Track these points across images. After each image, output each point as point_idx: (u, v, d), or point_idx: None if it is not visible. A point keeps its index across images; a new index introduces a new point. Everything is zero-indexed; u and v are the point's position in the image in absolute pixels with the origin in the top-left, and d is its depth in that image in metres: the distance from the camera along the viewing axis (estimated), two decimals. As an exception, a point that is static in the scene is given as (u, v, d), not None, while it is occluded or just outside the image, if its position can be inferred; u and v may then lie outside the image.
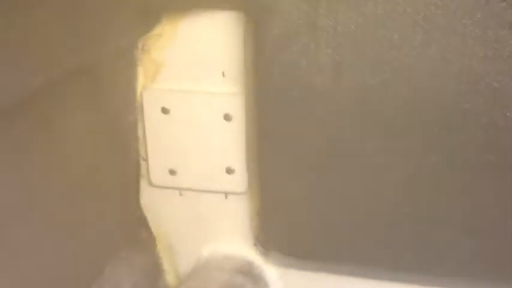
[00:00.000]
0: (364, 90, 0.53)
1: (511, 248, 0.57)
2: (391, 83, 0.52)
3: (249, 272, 0.66)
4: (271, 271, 0.67)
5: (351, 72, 0.53)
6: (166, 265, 0.72)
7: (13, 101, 0.42)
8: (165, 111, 0.64)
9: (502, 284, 0.61)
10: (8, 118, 0.43)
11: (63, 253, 0.54)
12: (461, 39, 0.50)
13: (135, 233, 0.69)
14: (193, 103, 0.63)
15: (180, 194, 0.68)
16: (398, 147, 0.55)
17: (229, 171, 0.64)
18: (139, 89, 0.64)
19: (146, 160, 0.67)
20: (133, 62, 0.63)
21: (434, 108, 0.52)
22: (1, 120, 0.43)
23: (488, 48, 0.49)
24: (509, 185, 0.54)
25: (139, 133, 0.66)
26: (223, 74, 0.61)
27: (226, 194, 0.66)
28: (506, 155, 0.53)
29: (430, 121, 0.53)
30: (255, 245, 0.67)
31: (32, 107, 0.47)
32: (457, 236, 0.58)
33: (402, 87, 0.52)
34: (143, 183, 0.69)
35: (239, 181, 0.65)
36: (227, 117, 0.62)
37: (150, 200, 0.69)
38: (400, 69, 0.52)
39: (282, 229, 0.64)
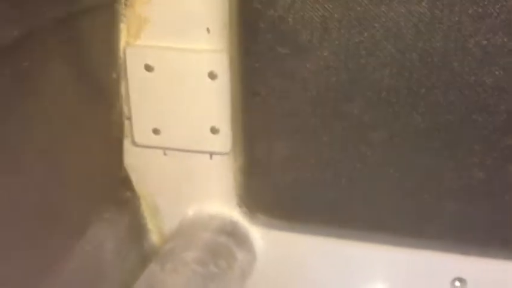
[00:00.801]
0: (351, 48, 0.52)
1: (495, 210, 0.58)
2: (378, 41, 0.51)
3: (233, 232, 0.66)
4: (255, 231, 0.67)
5: (338, 29, 0.52)
6: (150, 225, 0.71)
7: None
8: (148, 68, 0.62)
9: (484, 246, 0.61)
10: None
11: (44, 213, 0.53)
12: (451, -4, 0.49)
13: (119, 193, 0.68)
14: (177, 60, 0.61)
15: (165, 154, 0.67)
16: (384, 106, 0.54)
17: (213, 131, 0.63)
18: (122, 45, 0.62)
19: (130, 119, 0.66)
20: (116, 17, 0.61)
21: (422, 67, 0.52)
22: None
23: (478, 5, 0.49)
24: (496, 146, 0.54)
25: (123, 91, 0.64)
26: (208, 30, 0.60)
27: (210, 154, 0.65)
28: (494, 115, 0.52)
29: (417, 80, 0.52)
30: (239, 205, 0.67)
31: (10, 58, 0.45)
32: (441, 197, 0.58)
33: (390, 45, 0.51)
34: (127, 143, 0.68)
35: (224, 141, 0.64)
36: (212, 75, 0.61)
37: (134, 159, 0.68)
38: (388, 26, 0.51)
39: (265, 190, 0.64)
